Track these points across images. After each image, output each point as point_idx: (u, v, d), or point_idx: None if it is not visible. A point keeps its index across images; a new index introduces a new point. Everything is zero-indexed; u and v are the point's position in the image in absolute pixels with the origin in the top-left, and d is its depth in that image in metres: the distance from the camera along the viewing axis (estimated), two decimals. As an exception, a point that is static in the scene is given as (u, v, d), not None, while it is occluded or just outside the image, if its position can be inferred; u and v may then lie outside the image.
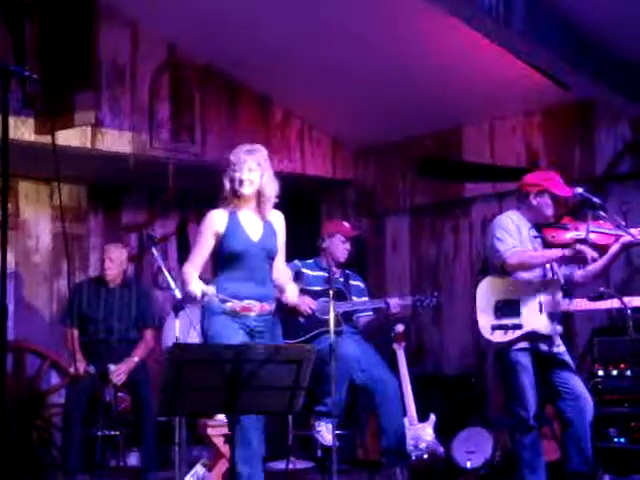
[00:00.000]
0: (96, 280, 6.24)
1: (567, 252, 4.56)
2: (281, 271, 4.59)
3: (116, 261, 6.06)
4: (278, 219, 4.58)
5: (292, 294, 4.59)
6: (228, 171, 4.46)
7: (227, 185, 4.47)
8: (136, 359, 5.96)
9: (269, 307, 4.47)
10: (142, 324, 6.12)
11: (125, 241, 7.25)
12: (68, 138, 6.09)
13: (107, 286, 6.11)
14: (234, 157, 4.45)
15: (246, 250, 4.40)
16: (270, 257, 4.48)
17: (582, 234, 4.56)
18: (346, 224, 6.01)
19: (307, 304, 5.63)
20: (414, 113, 6.87)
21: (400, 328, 6.04)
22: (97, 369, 5.90)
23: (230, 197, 4.46)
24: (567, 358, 4.75)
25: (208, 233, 4.46)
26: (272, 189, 4.49)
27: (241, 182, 4.41)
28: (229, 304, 4.37)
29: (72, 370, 5.92)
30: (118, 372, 5.86)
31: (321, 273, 5.78)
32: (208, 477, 5.36)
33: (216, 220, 4.47)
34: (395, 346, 6.01)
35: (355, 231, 5.97)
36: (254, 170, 4.42)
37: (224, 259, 4.45)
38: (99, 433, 5.93)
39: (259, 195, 4.47)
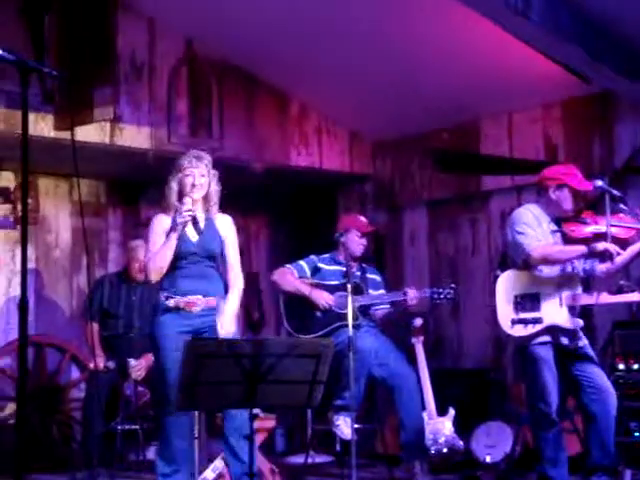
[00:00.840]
0: (118, 275, 6.27)
1: (595, 248, 4.51)
2: (235, 272, 4.64)
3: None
4: (225, 223, 4.67)
5: (226, 307, 4.54)
6: (176, 175, 4.57)
7: (174, 188, 4.57)
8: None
9: (214, 303, 4.53)
10: None
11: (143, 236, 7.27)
12: (87, 134, 6.11)
13: (130, 282, 6.13)
14: (185, 162, 4.56)
15: (186, 250, 4.51)
16: (210, 257, 4.57)
17: (602, 228, 4.54)
18: (362, 218, 5.98)
19: (325, 299, 5.63)
20: (432, 106, 6.84)
21: (418, 322, 6.03)
22: (117, 364, 5.93)
23: (174, 201, 4.55)
24: (589, 351, 4.72)
25: (158, 233, 4.55)
26: (217, 194, 4.62)
27: (192, 187, 4.52)
28: (172, 300, 4.49)
29: (92, 365, 5.96)
30: (138, 367, 5.89)
31: (338, 267, 5.77)
32: (227, 471, 5.37)
33: (162, 224, 4.57)
34: (413, 340, 6.00)
35: (371, 226, 5.93)
36: (205, 176, 4.56)
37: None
38: (119, 427, 5.96)
39: (204, 200, 4.60)
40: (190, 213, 4.48)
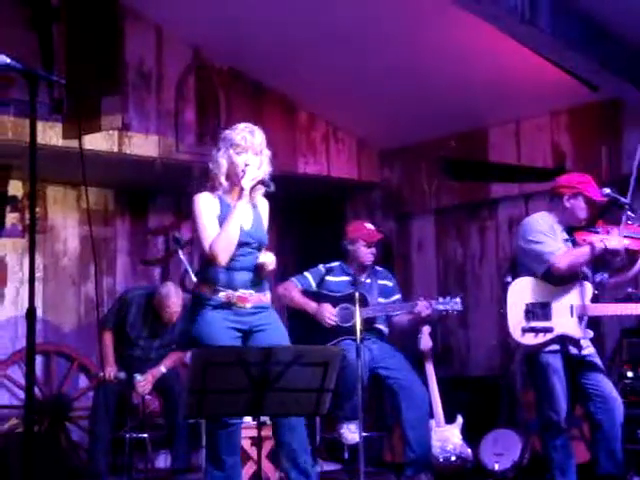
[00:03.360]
0: (147, 305, 6.01)
1: (609, 243, 4.50)
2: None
3: (178, 310, 5.91)
4: (264, 206, 4.26)
5: (265, 258, 4.16)
6: (225, 151, 4.11)
7: (222, 165, 4.11)
8: (163, 369, 5.97)
9: (265, 299, 4.20)
10: (182, 347, 6.03)
11: (151, 245, 7.29)
12: (95, 142, 6.13)
13: (156, 320, 5.99)
14: (237, 137, 4.10)
15: (240, 241, 4.07)
16: (260, 247, 4.18)
17: (618, 245, 4.52)
18: (369, 227, 5.91)
19: (329, 317, 5.60)
20: (439, 114, 6.84)
21: (427, 330, 6.02)
22: (126, 376, 5.90)
23: (221, 179, 4.13)
24: (597, 360, 4.72)
25: (211, 212, 4.08)
26: (268, 175, 4.16)
27: (244, 169, 4.06)
28: (222, 294, 4.08)
29: (101, 374, 5.94)
30: (144, 382, 5.88)
31: (346, 278, 5.75)
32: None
33: (211, 204, 4.10)
34: (422, 348, 5.99)
35: (378, 235, 5.87)
36: (258, 154, 4.12)
37: None
38: (127, 435, 5.96)
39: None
40: (257, 175, 4.04)
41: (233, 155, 4.09)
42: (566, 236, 4.70)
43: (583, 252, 4.61)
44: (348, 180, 7.55)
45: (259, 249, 4.18)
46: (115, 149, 6.29)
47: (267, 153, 4.18)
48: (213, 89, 6.80)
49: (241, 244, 4.07)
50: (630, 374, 5.58)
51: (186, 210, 7.43)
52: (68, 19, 6.04)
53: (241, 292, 4.09)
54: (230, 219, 4.02)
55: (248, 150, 4.09)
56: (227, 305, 4.08)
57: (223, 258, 4.01)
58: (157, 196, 7.52)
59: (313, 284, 5.71)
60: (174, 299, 5.88)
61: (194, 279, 5.30)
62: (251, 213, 4.18)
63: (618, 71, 5.69)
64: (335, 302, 5.68)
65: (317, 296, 5.69)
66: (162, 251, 7.47)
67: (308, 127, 7.42)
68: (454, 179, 7.20)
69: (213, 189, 4.15)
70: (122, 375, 5.91)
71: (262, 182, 4.10)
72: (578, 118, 6.60)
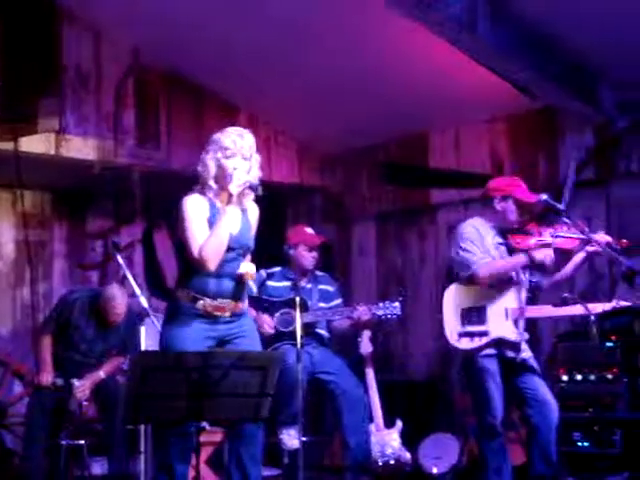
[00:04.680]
0: (90, 307, 5.88)
1: (537, 256, 4.58)
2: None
3: (123, 312, 5.80)
4: (253, 210, 4.19)
5: (245, 268, 4.11)
6: (214, 154, 4.06)
7: (211, 168, 4.04)
8: (102, 374, 5.88)
9: (242, 307, 4.13)
10: (122, 352, 5.97)
11: (89, 249, 7.21)
12: (32, 144, 6.03)
13: (99, 321, 5.86)
14: (227, 141, 4.05)
15: (227, 246, 4.00)
16: (245, 253, 4.13)
17: (546, 239, 4.60)
18: (310, 231, 5.90)
19: (267, 326, 5.59)
20: (380, 119, 6.89)
21: (367, 334, 6.05)
22: (64, 382, 5.81)
23: (210, 182, 4.05)
24: (533, 363, 4.78)
25: (201, 216, 3.99)
26: (257, 179, 4.08)
27: (232, 174, 3.99)
28: (201, 303, 4.00)
29: (37, 380, 5.82)
30: (82, 388, 5.79)
31: (286, 283, 5.75)
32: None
33: (200, 206, 4.02)
34: (362, 352, 6.01)
35: (319, 239, 5.87)
36: (248, 159, 4.06)
37: None
38: (63, 442, 5.87)
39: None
40: (246, 179, 3.97)
41: (222, 159, 4.03)
42: (500, 240, 4.76)
43: (506, 264, 4.68)
44: (289, 185, 7.55)
45: (244, 255, 4.11)
46: (52, 152, 6.19)
47: (257, 157, 4.13)
48: (153, 92, 6.75)
49: (227, 249, 3.99)
50: (565, 378, 5.67)
51: (125, 213, 7.44)
52: (4, 20, 5.93)
53: (219, 301, 4.02)
54: (220, 224, 3.95)
55: (237, 154, 4.03)
56: (204, 314, 4.01)
57: (212, 264, 3.93)
58: (96, 200, 7.43)
59: (254, 288, 5.70)
60: (120, 300, 5.80)
61: (133, 283, 5.26)
62: (239, 218, 4.10)
63: (555, 80, 5.79)
64: (275, 307, 5.68)
65: (257, 301, 5.67)
66: (100, 255, 7.38)
67: (249, 130, 7.42)
68: (394, 184, 7.25)
69: (202, 192, 4.07)
70: (59, 381, 5.81)
71: (250, 187, 4.04)
72: (516, 125, 6.69)
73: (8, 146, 5.77)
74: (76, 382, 5.78)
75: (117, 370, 6.05)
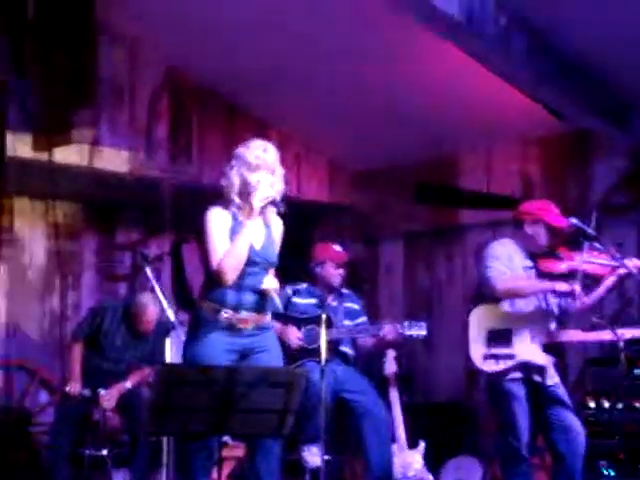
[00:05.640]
0: (123, 316, 5.95)
1: (558, 288, 4.55)
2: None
3: (154, 320, 5.85)
4: (277, 226, 4.16)
5: (268, 284, 4.11)
6: (239, 169, 4.04)
7: (235, 183, 4.03)
8: (128, 384, 5.90)
9: (266, 320, 4.12)
10: (151, 361, 5.97)
11: (118, 260, 7.26)
12: (65, 155, 6.08)
13: (131, 330, 5.92)
14: (251, 156, 4.04)
15: (249, 259, 3.98)
16: (269, 267, 4.10)
17: (576, 264, 4.57)
18: (337, 248, 5.89)
19: (295, 340, 5.59)
20: (412, 139, 6.89)
21: (392, 354, 6.03)
22: (91, 393, 5.83)
23: (234, 197, 4.03)
24: (561, 391, 4.73)
25: (223, 229, 4.00)
26: (281, 193, 4.08)
27: (256, 187, 3.98)
28: (225, 315, 3.99)
29: (67, 389, 5.84)
30: (108, 397, 5.82)
31: (312, 300, 5.75)
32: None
33: (223, 219, 4.02)
34: (386, 372, 5.99)
35: (346, 256, 5.86)
36: (271, 173, 4.04)
37: None
38: (87, 452, 5.89)
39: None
40: (269, 194, 3.97)
41: (245, 173, 4.02)
42: (529, 263, 4.73)
43: (529, 284, 4.65)
44: (318, 202, 7.56)
45: (267, 269, 4.10)
46: (85, 163, 6.25)
47: (280, 172, 4.11)
48: (186, 107, 6.79)
49: (249, 263, 3.98)
50: (592, 404, 5.61)
51: (154, 226, 7.48)
52: (42, 31, 6.01)
53: (243, 314, 4.01)
54: (240, 237, 3.96)
55: (261, 168, 4.02)
56: (227, 326, 4.00)
57: (230, 277, 3.93)
58: (125, 211, 7.48)
59: (279, 305, 5.68)
60: (152, 308, 5.83)
61: (160, 296, 5.27)
62: (263, 232, 4.10)
63: (586, 104, 5.77)
64: (300, 324, 5.67)
65: (283, 318, 5.67)
66: (129, 267, 7.42)
67: (279, 147, 7.45)
68: (425, 204, 7.23)
69: (226, 206, 4.06)
70: (86, 392, 5.84)
71: (273, 202, 4.04)
72: (547, 148, 6.67)
73: (42, 156, 5.83)
74: (102, 391, 5.81)
75: (143, 381, 6.07)
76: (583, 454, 4.63)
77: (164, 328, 5.78)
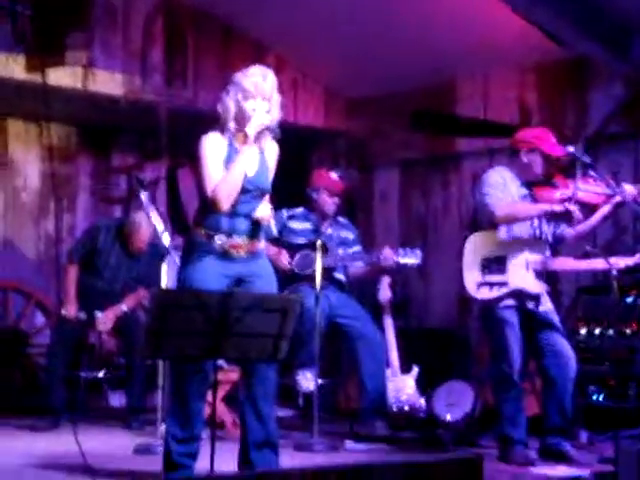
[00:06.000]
0: (116, 234, 5.96)
1: (556, 208, 4.56)
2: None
3: (147, 240, 5.88)
4: (272, 151, 4.13)
5: (261, 212, 4.09)
6: (235, 95, 3.99)
7: (230, 109, 4.00)
8: (124, 307, 5.94)
9: (259, 246, 4.09)
10: (146, 284, 6.04)
11: (113, 183, 7.25)
12: (59, 78, 6.02)
13: (125, 248, 5.94)
14: (247, 83, 3.98)
15: (242, 187, 3.97)
16: (263, 194, 4.10)
17: (571, 192, 4.57)
18: (334, 177, 5.87)
19: (284, 263, 5.61)
20: (408, 66, 6.82)
21: (386, 281, 6.06)
22: (87, 315, 5.87)
23: (230, 123, 4.01)
24: (553, 317, 4.78)
25: (218, 155, 3.98)
26: (277, 120, 4.04)
27: (251, 115, 3.94)
28: (217, 240, 3.99)
29: (63, 312, 5.88)
30: (104, 319, 5.86)
31: (308, 225, 5.77)
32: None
33: (218, 145, 4.00)
34: (380, 299, 6.03)
35: (342, 185, 5.84)
36: (268, 100, 3.99)
37: None
38: (82, 374, 5.96)
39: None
40: (265, 121, 3.94)
41: (241, 100, 3.98)
42: (525, 191, 4.73)
43: (527, 208, 4.65)
44: (314, 128, 7.52)
45: (261, 196, 4.10)
46: (79, 85, 6.19)
47: (277, 98, 4.05)
48: (181, 30, 6.70)
49: (242, 190, 3.97)
50: (583, 331, 5.67)
51: (150, 150, 7.45)
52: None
53: (235, 239, 4.00)
54: (235, 165, 3.94)
55: (257, 95, 3.98)
56: (220, 252, 4.00)
57: (225, 204, 3.93)
58: (121, 135, 7.44)
59: (274, 230, 5.71)
60: (145, 227, 5.85)
61: (156, 221, 5.27)
62: (257, 159, 4.07)
63: (586, 29, 5.69)
64: (296, 249, 5.69)
65: (278, 242, 5.69)
66: (124, 190, 7.41)
67: (276, 72, 7.35)
68: (421, 131, 7.19)
69: (222, 132, 4.04)
70: (82, 315, 5.87)
71: (268, 128, 4.02)
72: (545, 75, 6.61)
73: (36, 78, 5.76)
74: (98, 314, 5.85)
75: (139, 304, 6.11)
76: (574, 379, 4.70)
77: (158, 251, 5.81)
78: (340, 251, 5.79)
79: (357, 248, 5.90)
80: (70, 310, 5.80)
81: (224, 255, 4.02)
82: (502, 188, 4.68)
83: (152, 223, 5.72)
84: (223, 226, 4.00)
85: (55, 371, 5.84)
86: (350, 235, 5.94)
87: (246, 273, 4.07)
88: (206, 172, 3.97)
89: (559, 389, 4.68)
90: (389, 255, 5.58)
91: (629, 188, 4.57)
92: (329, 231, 5.81)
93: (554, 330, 4.74)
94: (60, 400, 5.77)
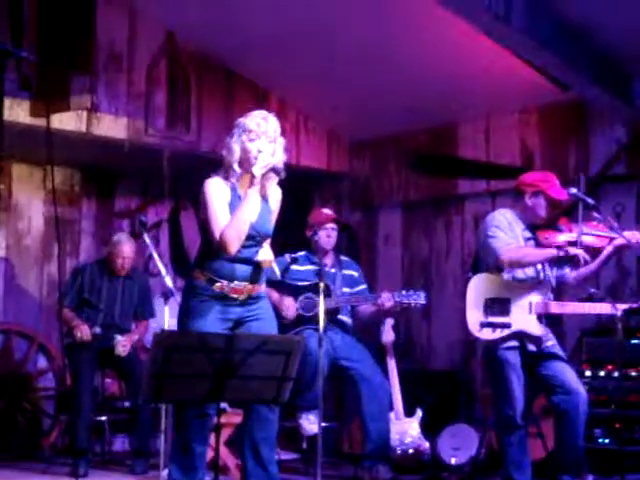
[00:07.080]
0: (99, 266, 6.09)
1: (561, 253, 4.56)
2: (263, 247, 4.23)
3: (130, 257, 5.98)
4: (276, 195, 4.17)
5: (263, 256, 4.14)
6: (239, 138, 4.05)
7: (237, 153, 4.03)
8: (135, 336, 5.98)
9: (259, 289, 4.14)
10: (141, 316, 6.10)
11: (116, 227, 7.26)
12: (63, 122, 6.06)
13: (111, 275, 6.02)
14: (251, 124, 4.04)
15: None
16: (264, 240, 4.14)
17: (575, 236, 4.57)
18: (325, 211, 5.93)
19: (290, 311, 5.60)
20: (411, 108, 6.85)
21: (389, 322, 6.04)
22: (102, 330, 5.89)
23: (233, 167, 4.04)
24: (557, 350, 4.73)
25: (222, 200, 4.00)
26: (281, 164, 4.08)
27: (256, 156, 3.98)
28: (218, 284, 4.02)
29: (77, 335, 5.79)
30: (124, 342, 5.84)
31: (311, 267, 5.76)
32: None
33: (222, 190, 4.02)
34: (384, 340, 6.01)
35: (334, 216, 5.86)
36: (273, 142, 4.04)
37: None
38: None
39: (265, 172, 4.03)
40: (270, 162, 3.97)
41: (246, 142, 4.02)
42: (529, 234, 4.73)
43: (533, 253, 4.65)
44: (317, 170, 7.54)
45: (262, 242, 4.12)
46: (83, 129, 6.22)
47: (281, 141, 4.11)
48: (185, 73, 6.75)
49: (245, 236, 4.00)
50: (588, 373, 5.64)
51: (153, 193, 7.47)
52: (40, -5, 5.97)
53: (236, 284, 4.03)
54: (242, 207, 3.95)
55: (261, 137, 4.02)
56: (221, 296, 4.02)
57: (233, 248, 3.94)
58: (124, 178, 7.47)
59: (277, 273, 5.70)
60: (127, 246, 5.94)
61: (158, 262, 5.28)
62: (259, 205, 4.08)
63: (587, 72, 5.73)
64: (299, 291, 5.69)
65: (281, 285, 5.68)
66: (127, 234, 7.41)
67: (279, 115, 7.40)
68: (423, 173, 7.22)
69: (226, 177, 4.06)
70: (98, 330, 5.85)
71: (274, 169, 4.04)
72: (547, 117, 6.64)
73: (40, 122, 5.79)
74: (118, 337, 5.84)
75: (146, 333, 6.12)
76: (586, 412, 4.61)
77: (146, 279, 5.94)
78: (345, 289, 5.77)
79: (363, 287, 5.90)
80: (82, 330, 5.76)
81: (225, 299, 4.03)
82: (507, 230, 4.68)
83: (134, 244, 5.86)
84: (224, 271, 4.02)
85: (81, 408, 5.65)
86: (355, 273, 5.93)
87: (246, 315, 4.09)
88: (213, 217, 3.98)
89: (570, 424, 4.58)
90: (389, 298, 5.57)
91: (633, 235, 4.58)
92: (332, 270, 5.81)
93: (560, 363, 4.68)
94: (87, 439, 5.65)
